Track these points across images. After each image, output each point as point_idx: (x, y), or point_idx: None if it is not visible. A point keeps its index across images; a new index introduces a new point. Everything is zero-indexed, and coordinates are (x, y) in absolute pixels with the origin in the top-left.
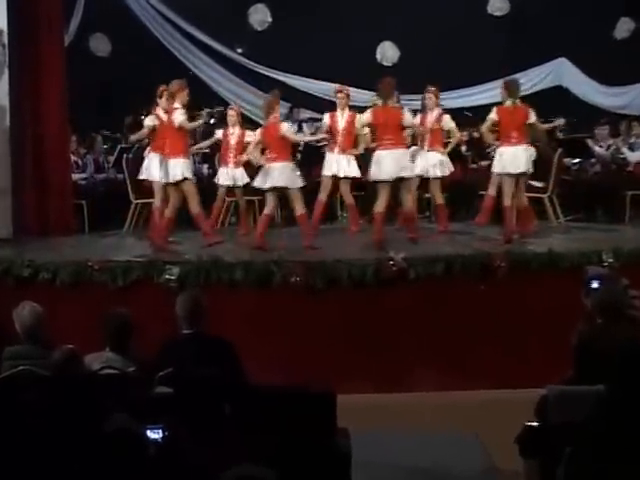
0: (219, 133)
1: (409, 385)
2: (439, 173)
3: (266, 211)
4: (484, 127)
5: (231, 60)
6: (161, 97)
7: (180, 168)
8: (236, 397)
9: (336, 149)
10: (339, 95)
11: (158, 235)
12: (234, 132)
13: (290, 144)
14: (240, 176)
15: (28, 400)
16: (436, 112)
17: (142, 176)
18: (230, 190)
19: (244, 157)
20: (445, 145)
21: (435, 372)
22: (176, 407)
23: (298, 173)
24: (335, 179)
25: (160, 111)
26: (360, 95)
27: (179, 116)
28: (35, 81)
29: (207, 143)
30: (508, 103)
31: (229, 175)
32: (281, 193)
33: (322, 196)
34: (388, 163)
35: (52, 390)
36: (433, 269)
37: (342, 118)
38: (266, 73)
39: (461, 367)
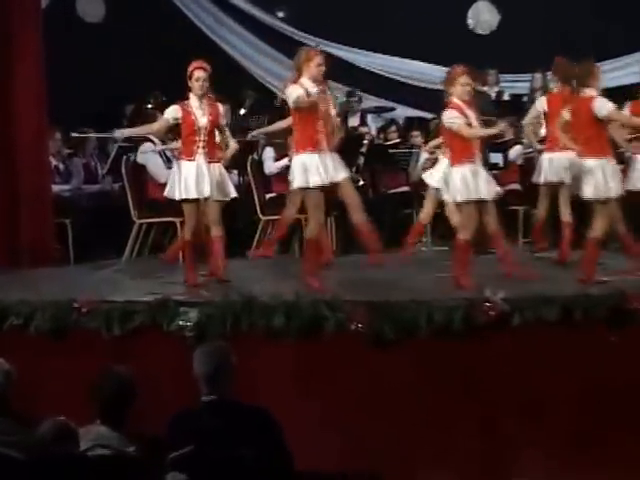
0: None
1: (510, 473)
2: None
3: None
4: (618, 129)
5: (267, 27)
6: (191, 79)
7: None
8: None
9: None
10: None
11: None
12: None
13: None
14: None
15: None
16: None
17: (176, 196)
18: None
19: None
20: None
21: (547, 455)
22: None
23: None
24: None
25: (194, 100)
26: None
27: (292, 93)
28: (3, 59)
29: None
30: None
31: None
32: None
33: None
34: (560, 166)
35: (26, 476)
36: (545, 313)
37: None
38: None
39: (584, 449)
